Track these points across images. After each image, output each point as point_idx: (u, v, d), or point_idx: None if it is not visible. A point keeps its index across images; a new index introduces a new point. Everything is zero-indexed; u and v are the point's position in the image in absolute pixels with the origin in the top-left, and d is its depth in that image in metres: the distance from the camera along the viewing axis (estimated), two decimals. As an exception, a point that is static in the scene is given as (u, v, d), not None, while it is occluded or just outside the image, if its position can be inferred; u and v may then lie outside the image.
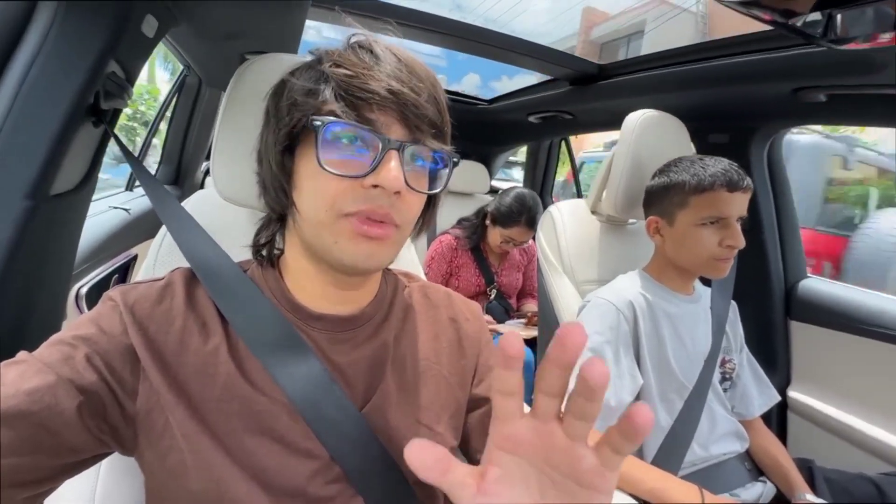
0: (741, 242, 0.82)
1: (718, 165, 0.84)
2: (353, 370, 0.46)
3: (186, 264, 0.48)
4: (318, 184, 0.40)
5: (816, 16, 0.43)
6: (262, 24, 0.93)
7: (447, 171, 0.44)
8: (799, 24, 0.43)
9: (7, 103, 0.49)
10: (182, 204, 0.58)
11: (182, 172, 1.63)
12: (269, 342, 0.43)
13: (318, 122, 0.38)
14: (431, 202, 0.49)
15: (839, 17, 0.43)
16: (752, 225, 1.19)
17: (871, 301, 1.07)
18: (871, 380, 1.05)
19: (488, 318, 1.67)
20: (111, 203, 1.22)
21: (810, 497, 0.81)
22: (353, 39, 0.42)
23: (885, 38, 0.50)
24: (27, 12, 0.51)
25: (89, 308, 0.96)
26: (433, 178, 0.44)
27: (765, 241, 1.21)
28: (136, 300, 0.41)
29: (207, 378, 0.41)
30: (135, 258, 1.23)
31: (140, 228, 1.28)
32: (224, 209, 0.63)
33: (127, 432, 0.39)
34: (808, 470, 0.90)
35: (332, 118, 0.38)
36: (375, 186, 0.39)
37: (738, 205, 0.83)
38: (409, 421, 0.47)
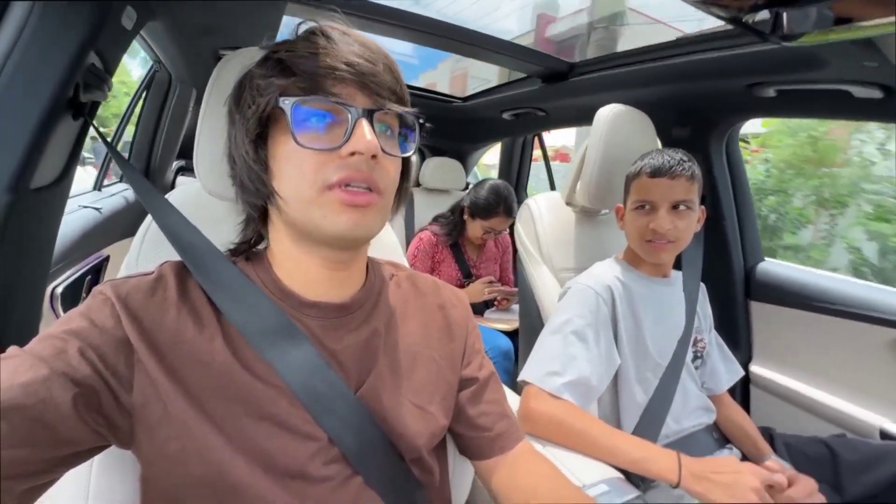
0: (661, 227, 0.85)
1: (661, 156, 0.88)
2: (346, 356, 0.47)
3: (171, 258, 0.47)
4: (297, 162, 0.41)
5: (766, 14, 0.48)
6: (240, 21, 0.92)
7: (415, 132, 0.46)
8: (751, 21, 0.48)
9: None
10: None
11: (152, 172, 1.58)
12: (263, 330, 0.43)
13: (288, 102, 0.40)
14: (406, 168, 0.50)
15: (785, 15, 0.48)
16: (713, 213, 1.26)
17: (819, 280, 1.16)
18: (823, 352, 1.14)
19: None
20: (81, 202, 1.17)
21: (777, 459, 0.88)
22: (304, 28, 0.44)
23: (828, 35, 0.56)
24: (2, 2, 0.50)
25: (63, 308, 0.93)
26: (403, 141, 0.46)
27: (725, 228, 1.28)
28: (128, 292, 0.42)
29: (204, 367, 0.41)
30: (107, 259, 1.18)
31: (112, 228, 1.23)
32: (205, 206, 0.62)
33: (123, 423, 0.39)
34: (768, 437, 0.97)
35: (298, 96, 0.40)
36: (353, 154, 0.40)
37: (662, 191, 0.86)
38: (403, 402, 0.49)
